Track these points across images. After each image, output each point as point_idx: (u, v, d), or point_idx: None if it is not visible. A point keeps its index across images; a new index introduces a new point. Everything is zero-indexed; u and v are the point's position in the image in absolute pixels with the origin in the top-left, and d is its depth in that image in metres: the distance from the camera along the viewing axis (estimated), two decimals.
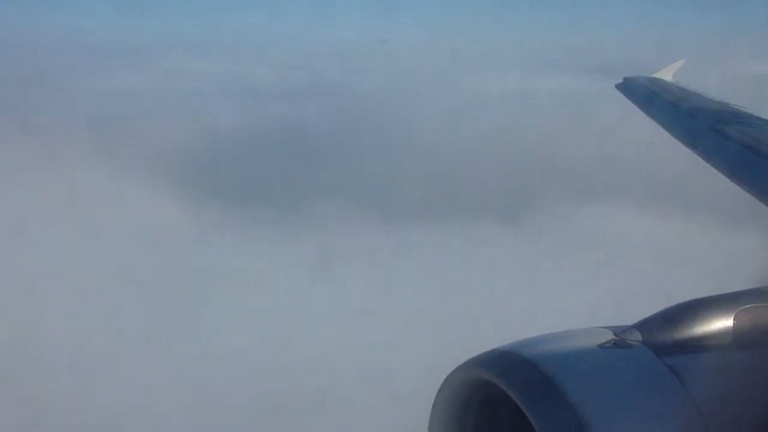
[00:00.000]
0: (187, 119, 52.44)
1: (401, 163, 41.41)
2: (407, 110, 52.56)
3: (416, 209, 33.67)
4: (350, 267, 27.32)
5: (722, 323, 2.58)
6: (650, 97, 8.60)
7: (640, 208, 31.08)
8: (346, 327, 22.05)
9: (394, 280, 25.64)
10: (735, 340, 2.56)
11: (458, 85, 61.17)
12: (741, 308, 2.62)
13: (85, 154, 40.96)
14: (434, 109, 52.87)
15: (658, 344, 2.52)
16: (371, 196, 36.17)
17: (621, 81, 9.51)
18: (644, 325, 2.60)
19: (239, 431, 18.07)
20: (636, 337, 2.55)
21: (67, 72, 68.28)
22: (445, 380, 2.66)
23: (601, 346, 2.52)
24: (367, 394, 17.49)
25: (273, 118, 52.61)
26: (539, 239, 29.60)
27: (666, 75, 9.32)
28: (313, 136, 47.46)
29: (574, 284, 22.78)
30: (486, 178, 38.49)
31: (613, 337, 2.56)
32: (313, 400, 18.35)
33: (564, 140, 41.45)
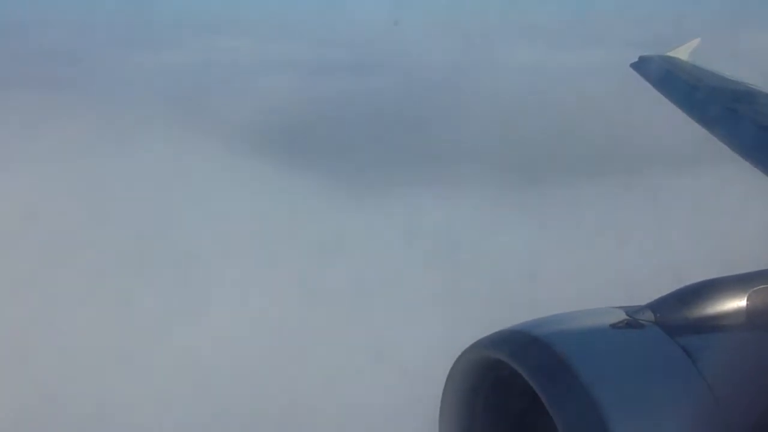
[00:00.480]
0: (253, 94, 50.89)
1: (487, 131, 40.71)
2: (449, 89, 51.43)
3: (530, 169, 33.63)
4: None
5: (735, 304, 2.57)
6: (665, 76, 8.51)
7: (649, 187, 30.78)
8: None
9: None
10: (748, 320, 2.56)
11: (486, 61, 60.05)
12: (754, 289, 2.61)
13: (181, 130, 39.68)
14: (468, 85, 51.90)
15: (671, 325, 2.51)
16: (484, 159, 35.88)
17: (636, 60, 9.42)
18: (657, 306, 2.59)
19: None
20: (649, 317, 2.55)
21: (106, 48, 66.66)
22: (456, 361, 2.67)
23: (614, 326, 2.52)
24: None
25: (336, 93, 51.18)
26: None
27: (682, 54, 9.20)
28: (389, 109, 45.81)
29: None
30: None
31: (626, 317, 2.56)
32: None
33: (581, 117, 41.08)
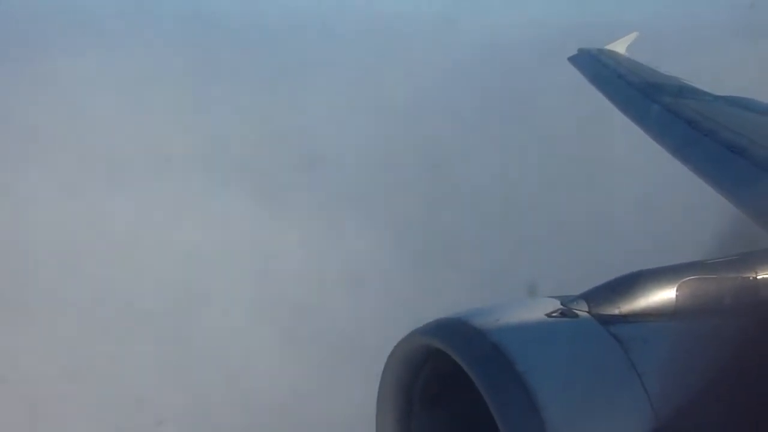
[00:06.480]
0: None
1: None
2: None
3: None
4: None
5: (665, 294, 2.66)
6: (600, 70, 8.60)
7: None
8: None
9: None
10: (677, 310, 2.64)
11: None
12: (683, 280, 2.70)
13: None
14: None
15: (604, 314, 2.58)
16: None
17: (575, 53, 9.50)
18: (590, 295, 2.66)
19: None
20: (582, 307, 2.61)
21: None
22: (395, 348, 2.68)
23: (549, 315, 2.56)
24: None
25: None
26: None
27: (619, 47, 9.33)
28: None
29: None
30: None
31: (560, 306, 2.61)
32: None
33: None
